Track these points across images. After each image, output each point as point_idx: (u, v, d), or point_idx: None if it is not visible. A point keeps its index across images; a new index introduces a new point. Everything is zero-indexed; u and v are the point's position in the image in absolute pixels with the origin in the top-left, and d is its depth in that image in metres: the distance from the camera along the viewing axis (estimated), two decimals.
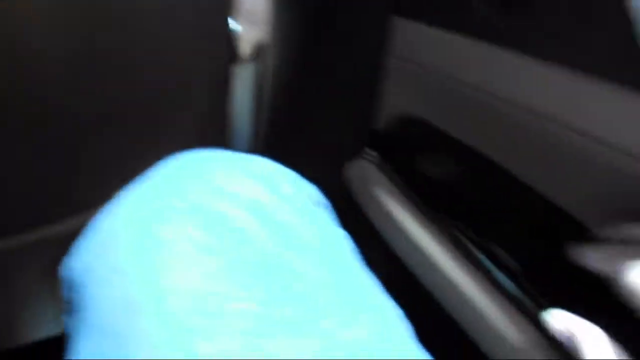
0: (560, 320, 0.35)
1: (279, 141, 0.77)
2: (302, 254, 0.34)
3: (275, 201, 0.37)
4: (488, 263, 0.43)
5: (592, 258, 0.35)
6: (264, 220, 0.35)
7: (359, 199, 0.52)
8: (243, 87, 0.81)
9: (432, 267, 0.45)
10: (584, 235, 0.39)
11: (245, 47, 0.78)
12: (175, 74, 0.80)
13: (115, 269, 0.30)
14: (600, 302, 0.36)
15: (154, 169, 0.37)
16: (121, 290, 0.30)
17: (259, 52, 0.77)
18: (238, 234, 0.33)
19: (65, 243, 0.38)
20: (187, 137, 0.81)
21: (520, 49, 0.44)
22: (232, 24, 0.73)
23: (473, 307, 0.41)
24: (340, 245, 0.39)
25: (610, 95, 0.37)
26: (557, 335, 0.35)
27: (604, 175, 0.39)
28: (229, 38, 0.77)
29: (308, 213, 0.39)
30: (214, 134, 0.83)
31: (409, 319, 0.39)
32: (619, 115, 0.38)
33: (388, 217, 0.49)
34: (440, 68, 0.52)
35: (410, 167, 0.52)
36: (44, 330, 0.62)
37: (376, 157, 0.53)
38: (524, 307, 0.40)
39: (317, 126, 0.71)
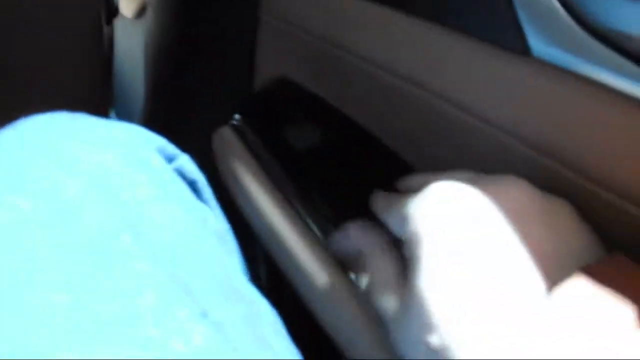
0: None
1: (163, 105, 0.71)
2: (142, 237, 0.28)
3: (130, 173, 0.31)
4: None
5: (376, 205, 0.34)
6: (108, 193, 0.29)
7: (221, 172, 0.46)
8: (128, 46, 0.75)
9: (285, 250, 0.40)
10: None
11: (128, 4, 0.74)
12: (49, 27, 0.74)
13: None
14: None
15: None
16: None
17: (142, 10, 0.72)
18: (71, 208, 0.28)
19: None
20: (65, 95, 0.76)
21: (399, 8, 0.39)
22: None
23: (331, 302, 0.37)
24: (200, 227, 0.33)
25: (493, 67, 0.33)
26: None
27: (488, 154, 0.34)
28: None
29: (170, 187, 0.33)
30: (94, 92, 0.78)
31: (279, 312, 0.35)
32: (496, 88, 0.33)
33: (245, 193, 0.43)
34: (314, 27, 0.47)
35: (279, 135, 0.46)
36: None
37: (242, 124, 0.47)
38: None
39: (198, 90, 0.66)
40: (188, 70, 0.67)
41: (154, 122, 0.71)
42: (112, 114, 0.84)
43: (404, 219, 0.29)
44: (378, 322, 0.34)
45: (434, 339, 0.25)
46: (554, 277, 0.25)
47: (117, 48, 0.77)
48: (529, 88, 0.31)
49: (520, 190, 0.29)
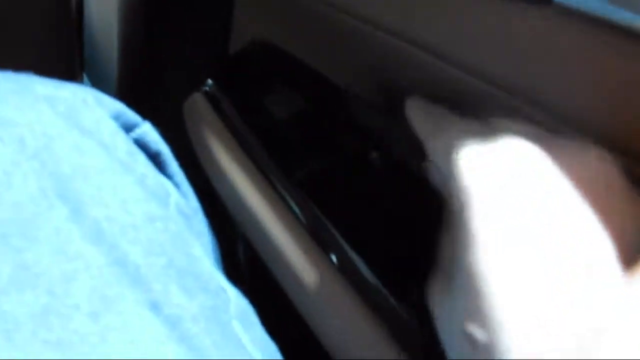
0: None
1: (137, 70, 0.67)
2: (82, 213, 0.24)
3: (73, 139, 0.27)
4: (329, 234, 0.34)
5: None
6: (43, 161, 0.25)
7: (193, 143, 0.42)
8: (100, 8, 0.71)
9: (262, 231, 0.36)
10: None
11: None
12: None
13: None
14: None
15: None
16: None
17: None
18: None
19: None
20: (33, 59, 0.72)
21: None
22: None
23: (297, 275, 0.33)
24: (158, 205, 0.29)
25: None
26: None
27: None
28: None
29: (123, 158, 0.29)
30: (64, 56, 0.74)
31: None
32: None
33: (217, 167, 0.39)
34: None
35: (256, 102, 0.42)
36: None
37: (215, 90, 0.42)
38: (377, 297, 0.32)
39: (173, 53, 0.61)
40: (162, 32, 0.63)
41: (127, 87, 0.67)
42: (86, 80, 0.80)
43: (453, 165, 0.24)
44: (365, 313, 0.31)
45: (479, 333, 0.20)
46: (631, 260, 0.21)
47: (88, 10, 0.72)
48: (549, 41, 0.27)
49: (600, 160, 0.23)
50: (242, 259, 0.50)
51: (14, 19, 0.68)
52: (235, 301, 0.29)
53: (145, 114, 0.35)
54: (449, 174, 0.24)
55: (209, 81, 0.45)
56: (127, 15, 0.66)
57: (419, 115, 0.30)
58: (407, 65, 0.37)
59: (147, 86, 0.64)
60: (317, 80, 0.44)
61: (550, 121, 0.27)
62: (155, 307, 0.23)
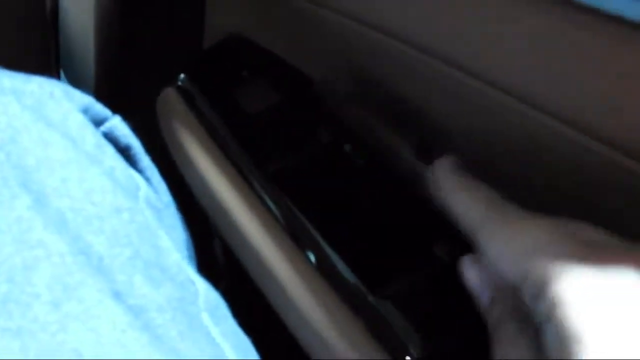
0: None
1: (112, 66, 0.66)
2: (44, 204, 0.24)
3: (38, 130, 0.27)
4: (304, 230, 0.34)
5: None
6: (7, 152, 0.26)
7: (165, 137, 0.42)
8: (74, 4, 0.70)
9: (235, 227, 0.35)
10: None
11: None
12: None
13: None
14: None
15: None
16: None
17: None
18: None
19: None
20: (8, 58, 0.71)
21: None
22: None
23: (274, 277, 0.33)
24: (126, 197, 0.29)
25: None
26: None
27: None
28: None
29: (90, 151, 0.29)
30: (39, 53, 0.73)
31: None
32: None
33: (190, 162, 0.38)
34: None
35: (229, 98, 0.42)
36: None
37: (188, 84, 0.42)
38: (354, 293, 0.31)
39: (147, 49, 0.60)
40: (137, 28, 0.62)
41: (103, 84, 0.66)
42: (63, 77, 0.79)
43: (554, 293, 0.21)
44: (343, 310, 0.30)
45: None
46: None
47: (63, 6, 0.71)
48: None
49: None
50: (220, 256, 0.49)
51: None
52: (205, 294, 0.29)
53: (121, 110, 0.35)
54: (534, 291, 0.22)
55: (182, 76, 0.44)
56: (102, 12, 0.65)
57: (455, 190, 0.28)
58: (382, 56, 0.37)
59: (123, 82, 0.63)
60: (290, 73, 0.43)
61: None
62: (118, 296, 0.23)
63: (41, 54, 0.73)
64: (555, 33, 0.26)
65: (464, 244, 0.27)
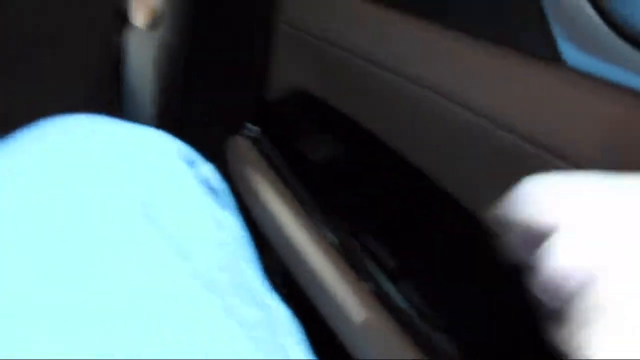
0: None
1: (173, 112, 0.71)
2: (161, 231, 0.28)
3: (150, 173, 0.31)
4: (364, 264, 0.37)
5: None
6: (127, 192, 0.29)
7: (236, 182, 0.46)
8: (139, 55, 0.75)
9: (303, 262, 0.39)
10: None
11: (140, 14, 0.74)
12: (60, 33, 0.74)
13: None
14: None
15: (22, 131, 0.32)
16: None
17: (155, 20, 0.72)
18: (89, 205, 0.27)
19: None
20: (76, 97, 0.76)
21: (423, 17, 0.39)
22: None
23: (339, 307, 0.36)
24: (219, 230, 0.33)
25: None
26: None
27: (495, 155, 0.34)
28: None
29: (190, 190, 0.33)
30: (106, 97, 0.78)
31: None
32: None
33: (262, 203, 0.42)
34: (332, 36, 0.47)
35: (296, 147, 0.46)
36: None
37: (257, 134, 0.46)
38: (410, 323, 0.34)
39: (209, 98, 0.65)
40: (199, 78, 0.67)
41: (163, 129, 0.70)
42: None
43: None
44: (403, 340, 0.33)
45: None
46: None
47: (128, 54, 0.77)
48: (559, 96, 0.31)
49: None
50: (281, 289, 0.52)
51: (60, 62, 0.72)
52: (287, 320, 0.32)
53: None
54: None
55: (250, 125, 0.48)
56: (165, 60, 0.70)
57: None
58: (435, 117, 0.40)
59: (182, 130, 0.67)
60: (351, 126, 0.47)
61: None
62: (229, 312, 0.27)
63: (106, 102, 0.78)
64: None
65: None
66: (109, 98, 0.77)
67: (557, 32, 0.29)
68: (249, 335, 0.27)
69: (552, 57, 0.29)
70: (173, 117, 0.69)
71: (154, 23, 0.72)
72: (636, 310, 0.20)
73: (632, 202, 0.23)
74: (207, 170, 0.36)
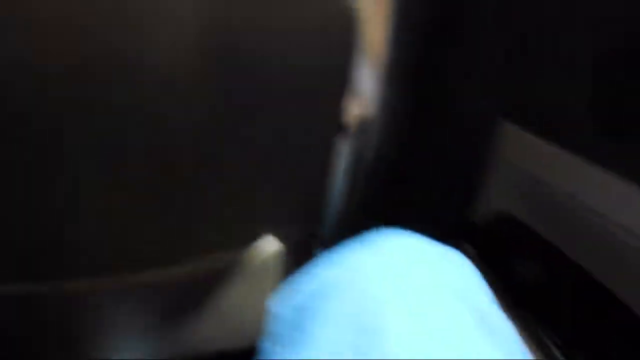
0: None
1: (372, 221, 0.77)
2: (494, 340, 0.35)
3: (478, 293, 0.39)
4: None
5: None
6: (470, 307, 0.36)
7: None
8: (347, 161, 0.82)
9: None
10: None
11: (349, 120, 0.79)
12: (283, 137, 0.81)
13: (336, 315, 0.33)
14: None
15: (372, 242, 0.39)
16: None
17: (361, 126, 0.79)
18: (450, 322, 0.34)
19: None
20: (286, 200, 0.80)
21: (620, 171, 0.45)
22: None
23: None
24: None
25: None
26: None
27: None
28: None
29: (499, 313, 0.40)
30: (310, 205, 0.82)
31: None
32: None
33: None
34: (542, 176, 0.54)
35: (505, 267, 0.53)
36: None
37: (474, 254, 0.55)
38: None
39: (411, 209, 0.73)
40: (401, 188, 0.74)
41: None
42: None
43: None
44: None
45: None
46: None
47: (338, 161, 0.83)
48: None
49: None
50: None
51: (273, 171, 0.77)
52: None
53: None
54: None
55: (464, 243, 0.57)
56: (369, 168, 0.77)
57: None
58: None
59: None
60: (553, 252, 0.54)
61: None
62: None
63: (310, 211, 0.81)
64: None
65: None
66: (313, 203, 0.81)
67: None
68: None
69: None
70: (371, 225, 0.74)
71: (363, 129, 0.79)
72: None
73: None
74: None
